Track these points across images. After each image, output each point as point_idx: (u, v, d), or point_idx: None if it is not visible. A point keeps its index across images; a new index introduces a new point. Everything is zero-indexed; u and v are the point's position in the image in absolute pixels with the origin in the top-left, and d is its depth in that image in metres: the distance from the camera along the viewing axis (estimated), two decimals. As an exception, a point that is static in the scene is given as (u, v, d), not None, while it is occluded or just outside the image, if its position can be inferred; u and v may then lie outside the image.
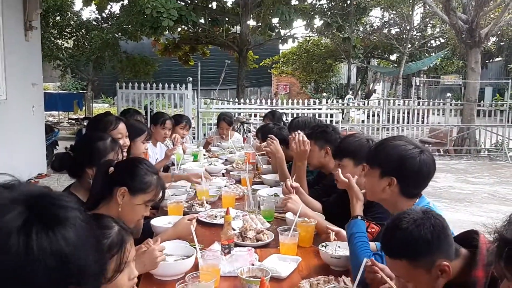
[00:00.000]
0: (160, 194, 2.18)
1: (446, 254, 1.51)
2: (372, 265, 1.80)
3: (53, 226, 0.78)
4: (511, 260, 1.06)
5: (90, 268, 0.81)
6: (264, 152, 4.05)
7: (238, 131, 6.38)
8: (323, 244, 2.28)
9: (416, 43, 21.28)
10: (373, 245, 2.17)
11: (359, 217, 2.17)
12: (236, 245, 2.34)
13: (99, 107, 20.29)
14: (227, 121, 5.91)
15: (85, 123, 9.34)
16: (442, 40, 22.44)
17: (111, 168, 2.11)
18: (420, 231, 1.51)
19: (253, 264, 2.09)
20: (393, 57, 23.35)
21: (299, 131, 3.30)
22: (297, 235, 2.32)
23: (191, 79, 10.53)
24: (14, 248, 0.74)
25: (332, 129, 3.29)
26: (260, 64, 20.23)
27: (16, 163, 7.09)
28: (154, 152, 4.63)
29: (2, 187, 0.83)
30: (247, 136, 6.65)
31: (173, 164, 4.28)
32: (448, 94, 13.41)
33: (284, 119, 6.15)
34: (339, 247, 2.25)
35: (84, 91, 18.71)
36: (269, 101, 12.69)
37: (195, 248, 2.12)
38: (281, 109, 11.42)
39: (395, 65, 21.98)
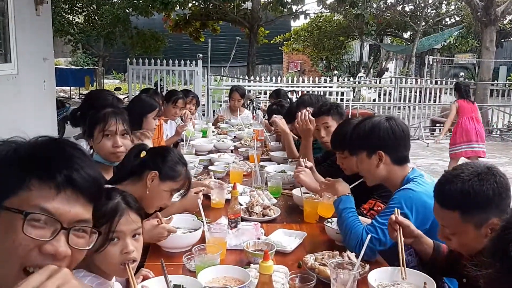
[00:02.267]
0: (186, 186, 2.23)
1: (502, 214, 1.45)
2: (395, 221, 1.80)
3: None
4: None
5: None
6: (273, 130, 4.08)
7: (248, 108, 6.38)
8: (329, 220, 2.31)
9: (431, 20, 20.84)
10: (367, 220, 2.20)
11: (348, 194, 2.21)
12: (243, 219, 2.38)
13: (110, 83, 20.35)
14: (240, 92, 5.92)
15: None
16: (457, 18, 21.97)
17: (143, 152, 2.17)
18: (482, 186, 1.48)
19: (259, 238, 2.12)
20: (407, 35, 22.94)
21: (308, 108, 3.31)
22: (332, 199, 2.29)
23: (201, 55, 10.49)
24: None
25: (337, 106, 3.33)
26: (271, 41, 20.02)
27: (27, 137, 7.18)
28: (164, 129, 4.66)
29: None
30: (256, 114, 6.65)
31: (182, 140, 4.31)
32: (462, 73, 13.16)
33: (294, 97, 6.14)
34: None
35: (95, 67, 18.75)
36: (279, 78, 12.60)
37: (202, 221, 2.15)
38: (291, 87, 11.35)
39: (408, 43, 21.63)
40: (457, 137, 7.03)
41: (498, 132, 12.05)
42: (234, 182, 2.53)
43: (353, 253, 1.92)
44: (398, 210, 1.88)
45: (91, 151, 2.49)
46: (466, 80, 14.08)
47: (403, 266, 1.70)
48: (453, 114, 7.23)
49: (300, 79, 12.53)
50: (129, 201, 1.48)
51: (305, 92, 11.00)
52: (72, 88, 17.22)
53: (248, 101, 9.06)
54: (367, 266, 1.83)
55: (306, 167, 2.76)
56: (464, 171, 1.53)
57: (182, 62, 10.75)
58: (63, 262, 0.91)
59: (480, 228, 1.48)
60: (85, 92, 16.20)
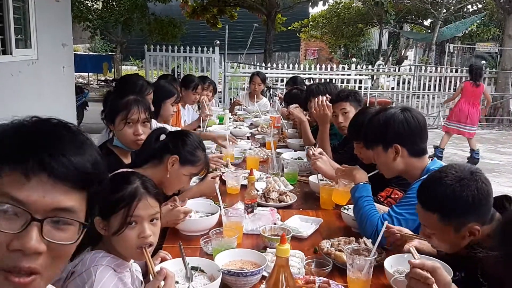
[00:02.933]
0: (205, 171, 2.27)
1: (480, 219, 1.49)
2: (388, 230, 1.81)
3: None
4: None
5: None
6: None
7: (265, 95, 6.38)
8: (345, 206, 2.30)
9: (452, 8, 20.37)
10: (383, 208, 2.19)
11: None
12: (259, 205, 2.39)
13: (127, 69, 20.47)
14: (261, 77, 5.91)
15: (114, 85, 9.52)
16: (479, 6, 21.44)
17: (163, 136, 2.19)
18: (462, 192, 1.49)
19: (275, 224, 2.14)
20: (427, 22, 22.48)
21: (327, 96, 3.30)
22: (350, 187, 2.28)
23: (218, 42, 10.47)
24: None
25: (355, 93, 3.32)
26: (289, 28, 19.85)
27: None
28: (182, 114, 4.69)
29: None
30: (273, 101, 6.64)
31: (199, 127, 4.33)
32: (483, 62, 12.87)
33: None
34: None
35: (113, 53, 18.86)
36: (296, 66, 12.51)
37: (219, 206, 2.17)
38: (308, 74, 11.27)
39: (429, 31, 21.23)
40: (452, 115, 7.98)
41: (519, 122, 11.82)
42: (251, 168, 2.53)
43: (370, 240, 1.93)
44: (386, 222, 1.85)
45: (111, 134, 2.53)
46: (488, 68, 13.76)
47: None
48: (457, 93, 8.19)
49: (318, 66, 12.40)
50: (148, 186, 1.50)
51: (322, 79, 10.92)
52: (90, 74, 17.37)
53: (265, 88, 9.03)
54: (384, 253, 1.83)
55: (314, 154, 2.74)
56: (448, 175, 1.53)
57: (199, 49, 10.75)
58: (37, 260, 0.77)
59: (459, 231, 1.51)
60: (103, 78, 16.38)
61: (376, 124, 2.12)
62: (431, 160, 2.13)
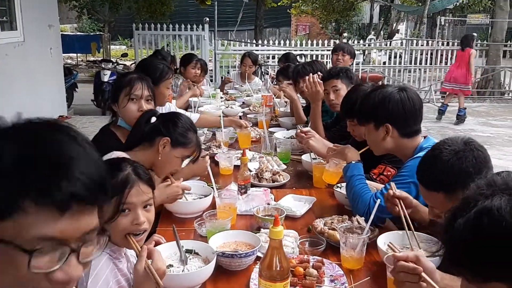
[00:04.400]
0: (196, 153, 2.25)
1: None
2: (393, 196, 1.80)
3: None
4: None
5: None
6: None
7: (256, 73, 6.31)
8: (338, 185, 2.32)
9: (443, -21, 20.20)
10: (376, 185, 2.20)
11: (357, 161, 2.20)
12: (253, 185, 2.39)
13: (116, 49, 20.19)
14: (252, 58, 5.81)
15: (103, 65, 9.37)
16: (471, -24, 21.25)
17: (154, 118, 2.18)
18: (461, 164, 1.49)
19: (268, 204, 2.15)
20: (418, -6, 22.30)
21: (318, 74, 3.28)
22: (341, 166, 2.29)
23: (208, 19, 10.32)
24: None
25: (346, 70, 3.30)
26: (279, 3, 19.60)
27: (36, 105, 7.21)
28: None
29: None
30: (264, 79, 6.58)
31: (190, 107, 4.29)
32: (474, 34, 12.83)
33: (303, 61, 6.05)
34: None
35: (101, 33, 18.56)
36: (287, 42, 12.38)
37: (212, 188, 2.17)
38: (300, 50, 11.18)
39: (420, 3, 21.04)
40: (446, 77, 9.49)
41: (510, 94, 11.85)
42: (244, 148, 2.53)
43: (362, 217, 1.94)
44: (394, 184, 1.86)
45: (113, 118, 2.52)
46: (479, 41, 13.71)
47: (413, 232, 1.71)
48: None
49: (309, 42, 12.27)
50: (140, 173, 1.48)
51: (314, 56, 10.84)
52: (79, 54, 17.12)
53: (257, 66, 8.95)
54: (376, 230, 1.85)
55: (302, 131, 2.74)
56: (443, 151, 1.53)
57: (189, 26, 10.60)
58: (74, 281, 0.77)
59: None
60: (92, 58, 16.16)
61: (371, 101, 2.11)
62: (424, 138, 2.13)
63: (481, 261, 0.87)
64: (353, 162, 2.18)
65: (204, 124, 3.59)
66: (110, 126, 2.53)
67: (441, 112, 9.12)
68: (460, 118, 8.87)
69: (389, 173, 2.42)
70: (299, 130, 2.77)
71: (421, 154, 2.01)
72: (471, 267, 0.89)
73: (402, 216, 1.75)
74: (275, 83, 5.05)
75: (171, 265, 1.59)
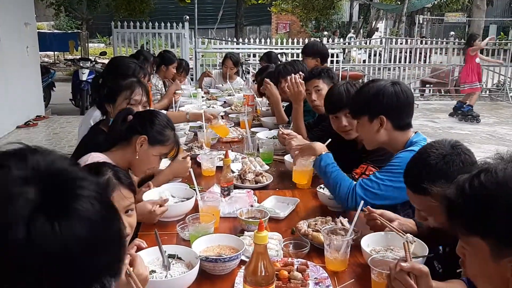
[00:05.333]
0: (175, 151, 2.22)
1: None
2: (369, 213, 1.82)
3: (62, 218, 0.63)
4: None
5: (96, 268, 0.68)
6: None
7: (237, 73, 6.27)
8: (321, 185, 2.31)
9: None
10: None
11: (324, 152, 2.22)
12: (236, 187, 2.37)
13: (95, 47, 19.90)
14: (233, 60, 5.77)
15: (82, 64, 9.20)
16: (449, -25, 21.58)
17: (130, 116, 2.14)
18: (449, 168, 1.48)
19: (252, 206, 2.13)
20: (397, -7, 22.54)
21: (300, 74, 3.27)
22: (311, 164, 2.30)
23: (188, 17, 10.24)
24: (13, 244, 0.60)
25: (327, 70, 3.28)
26: (259, 1, 19.59)
27: (12, 105, 7.05)
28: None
29: (13, 157, 0.68)
30: (246, 78, 6.54)
31: (172, 107, 4.25)
32: (452, 33, 13.03)
33: (284, 59, 6.04)
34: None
35: (79, 31, 18.25)
36: (268, 40, 12.37)
37: (195, 190, 2.14)
38: (280, 49, 11.18)
39: (399, 2, 21.28)
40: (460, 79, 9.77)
41: (488, 91, 12.07)
42: (226, 150, 2.51)
43: (346, 219, 1.94)
44: (368, 206, 1.85)
45: (104, 117, 2.52)
46: (457, 39, 13.95)
47: (398, 231, 1.71)
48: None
49: (290, 40, 12.28)
50: (121, 177, 1.45)
51: (295, 54, 10.85)
52: (56, 52, 16.80)
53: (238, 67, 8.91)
54: (360, 232, 1.85)
55: (285, 133, 2.73)
56: (430, 155, 1.53)
57: (169, 24, 10.50)
58: None
59: None
60: (70, 57, 15.88)
61: (365, 94, 2.12)
62: (415, 133, 2.14)
63: (470, 214, 1.00)
64: (323, 153, 2.18)
65: None
66: (100, 125, 2.50)
67: (457, 109, 9.21)
68: (464, 114, 9.00)
69: (371, 172, 2.42)
70: (281, 132, 2.76)
71: (412, 147, 2.02)
72: (462, 220, 1.03)
73: (389, 226, 1.75)
74: (256, 82, 5.02)
75: (153, 271, 1.56)
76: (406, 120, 2.10)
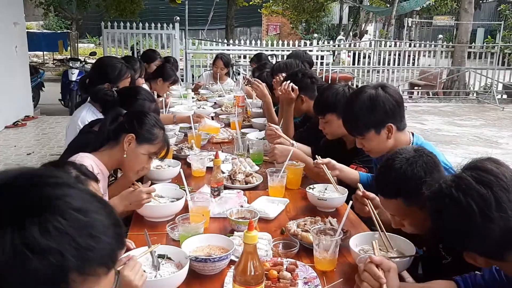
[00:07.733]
0: (165, 150, 2.22)
1: None
2: (363, 196, 1.86)
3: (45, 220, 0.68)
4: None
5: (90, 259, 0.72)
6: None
7: (228, 74, 6.27)
8: (311, 186, 2.33)
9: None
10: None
11: None
12: (226, 187, 2.38)
13: (84, 47, 19.76)
14: (224, 60, 5.76)
15: (71, 64, 9.14)
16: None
17: (121, 118, 2.14)
18: (413, 169, 1.56)
19: (242, 206, 2.14)
20: (386, -4, 22.69)
21: (283, 74, 3.30)
22: (285, 178, 2.37)
23: (178, 18, 10.21)
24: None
25: (302, 74, 3.24)
26: (250, 3, 19.61)
27: (1, 105, 6.99)
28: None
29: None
30: (236, 79, 6.55)
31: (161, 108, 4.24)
32: (440, 36, 13.17)
33: (274, 61, 6.06)
34: (326, 189, 2.31)
35: (69, 31, 18.13)
36: (258, 42, 12.39)
37: (184, 190, 2.15)
38: (271, 50, 11.21)
39: (388, 5, 21.44)
40: None
41: (475, 94, 12.22)
42: (217, 150, 2.51)
43: (335, 219, 1.96)
44: (361, 185, 1.92)
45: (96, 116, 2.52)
46: (445, 42, 14.09)
47: (383, 233, 1.74)
48: None
49: (280, 42, 12.32)
50: (86, 172, 1.46)
51: (285, 56, 10.87)
52: (45, 52, 16.67)
53: (229, 68, 8.91)
54: (349, 232, 1.87)
55: (271, 128, 2.78)
56: (395, 160, 1.60)
57: (159, 25, 10.47)
58: None
59: (424, 208, 1.54)
60: (59, 57, 15.76)
61: (363, 108, 2.05)
62: (412, 134, 2.17)
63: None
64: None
65: None
66: (94, 127, 2.49)
67: None
68: None
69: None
70: (268, 127, 2.79)
71: None
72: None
73: (373, 216, 1.78)
74: (247, 82, 5.03)
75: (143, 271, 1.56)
76: (404, 119, 2.13)
